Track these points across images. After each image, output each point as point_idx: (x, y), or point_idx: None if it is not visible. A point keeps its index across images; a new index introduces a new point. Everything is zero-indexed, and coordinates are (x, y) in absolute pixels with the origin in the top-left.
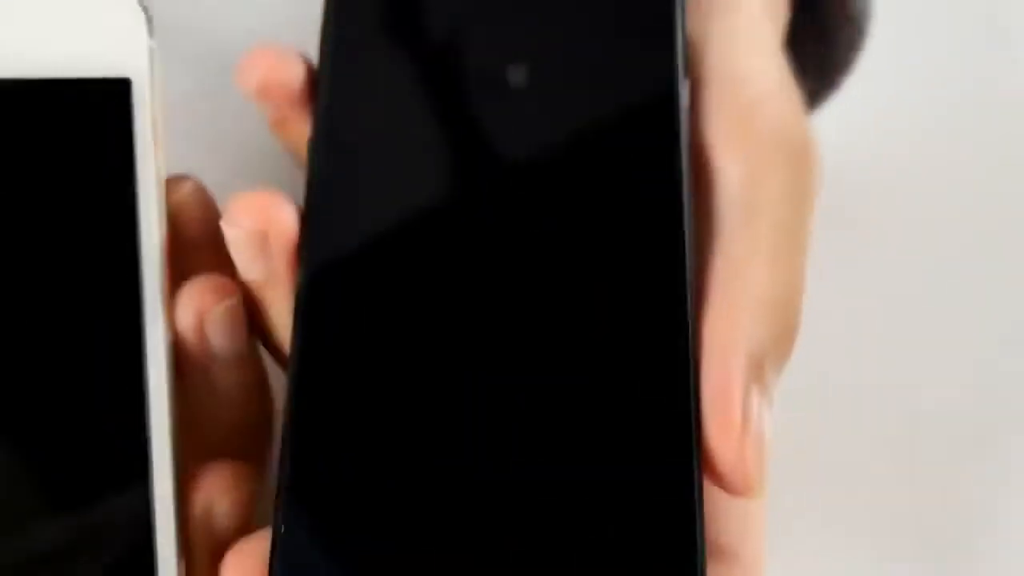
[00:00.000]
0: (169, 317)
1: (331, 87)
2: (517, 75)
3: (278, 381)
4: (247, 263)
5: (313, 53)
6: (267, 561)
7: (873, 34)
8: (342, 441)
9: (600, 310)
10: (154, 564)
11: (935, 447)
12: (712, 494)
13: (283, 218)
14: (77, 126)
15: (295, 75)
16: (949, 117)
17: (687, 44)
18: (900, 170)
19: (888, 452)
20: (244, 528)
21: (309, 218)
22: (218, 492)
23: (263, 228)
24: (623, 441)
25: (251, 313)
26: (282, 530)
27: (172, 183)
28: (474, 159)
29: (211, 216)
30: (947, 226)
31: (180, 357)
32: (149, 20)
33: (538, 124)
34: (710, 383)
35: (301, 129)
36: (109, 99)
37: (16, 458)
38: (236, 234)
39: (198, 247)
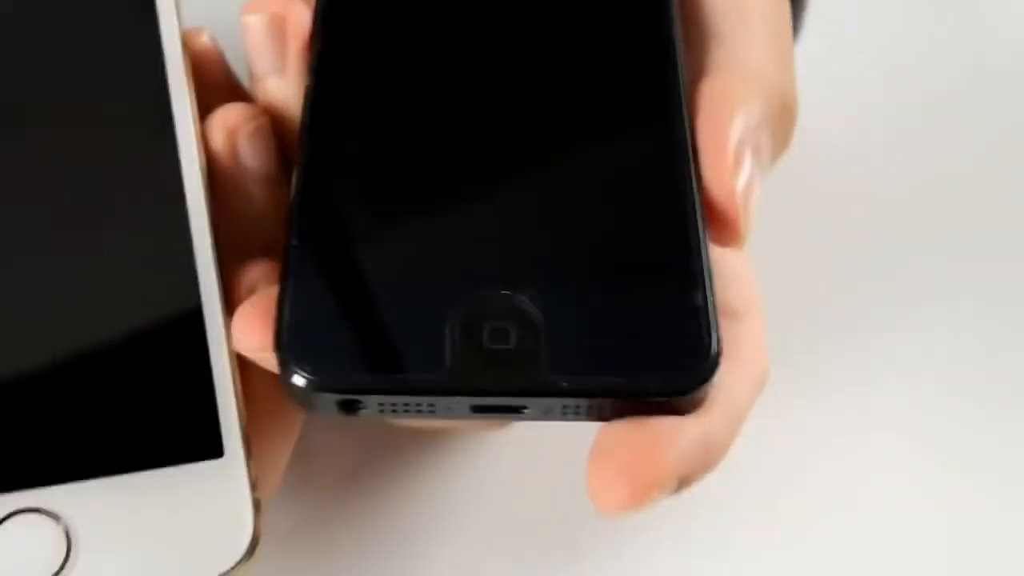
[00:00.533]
0: (201, 140)
1: None
2: None
3: None
4: (264, 51)
5: None
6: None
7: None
8: (349, 173)
9: (598, 82)
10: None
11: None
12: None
13: (298, 9)
14: None
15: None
16: (925, 87)
17: None
18: (883, 148)
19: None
20: None
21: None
22: (260, 277)
23: (282, 14)
24: (628, 202)
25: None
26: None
27: (190, 35)
28: None
29: (225, 65)
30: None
31: (215, 177)
32: None
33: None
34: (706, 129)
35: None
36: None
37: (71, 274)
38: (257, 20)
39: (217, 93)
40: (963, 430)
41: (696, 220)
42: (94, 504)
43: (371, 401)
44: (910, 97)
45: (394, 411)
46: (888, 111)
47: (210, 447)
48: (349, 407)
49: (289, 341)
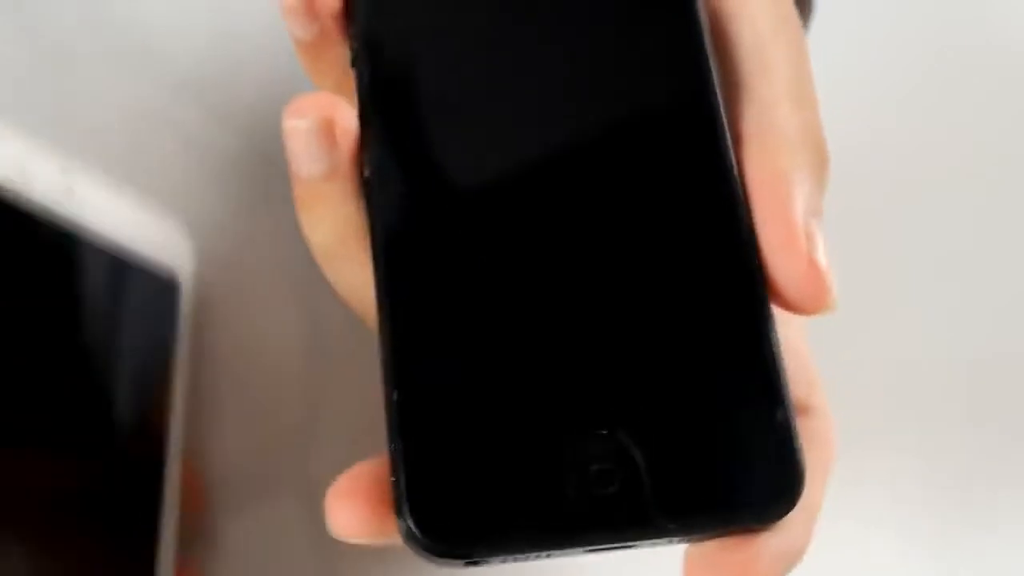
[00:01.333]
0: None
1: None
2: None
3: None
4: (312, 155)
5: None
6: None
7: None
8: (440, 347)
9: (647, 166)
10: None
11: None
12: None
13: (346, 112)
14: None
15: None
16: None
17: None
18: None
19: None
20: None
21: (366, 120)
22: None
23: (330, 117)
24: (693, 300)
25: None
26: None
27: None
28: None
29: None
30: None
31: None
32: None
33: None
34: (768, 213)
35: (335, 52)
36: None
37: None
38: (303, 124)
39: None
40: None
41: (770, 330)
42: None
43: (494, 560)
44: (917, 94)
45: (515, 561)
46: (894, 109)
47: None
48: (473, 564)
49: (412, 508)
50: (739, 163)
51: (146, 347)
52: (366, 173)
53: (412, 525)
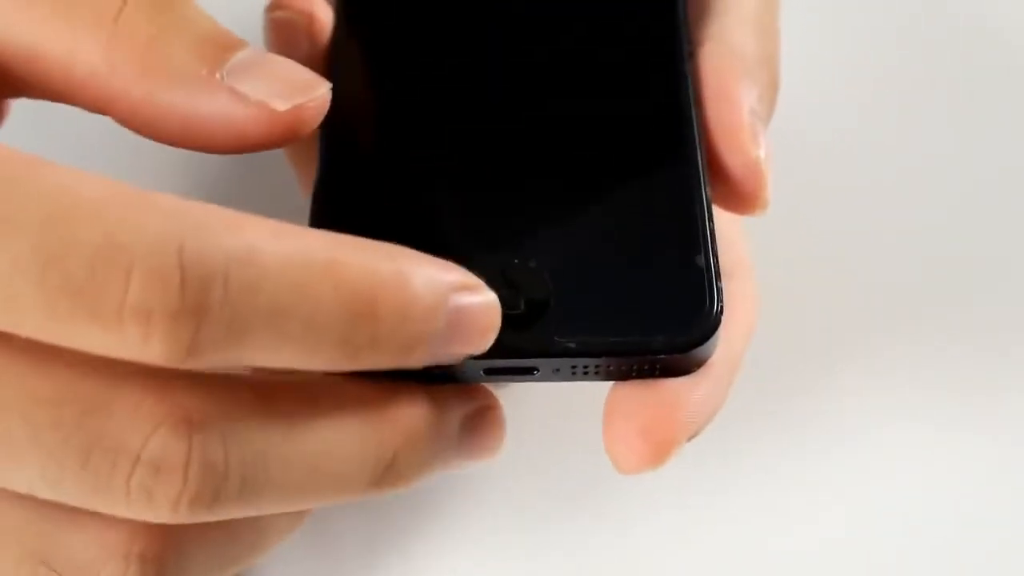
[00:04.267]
0: None
1: None
2: None
3: None
4: (289, 49)
5: None
6: None
7: None
8: (365, 153)
9: (601, 49)
10: None
11: None
12: None
13: (323, 7)
14: None
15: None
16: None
17: None
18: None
19: None
20: None
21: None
22: None
23: (309, 11)
24: (633, 168)
25: None
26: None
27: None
28: None
29: None
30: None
31: None
32: None
33: None
34: (720, 110)
35: None
36: None
37: None
38: (283, 16)
39: None
40: (969, 423)
41: (701, 184)
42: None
43: None
44: (909, 92)
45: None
46: (882, 105)
47: None
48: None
49: None
50: (695, 63)
51: None
52: None
53: None
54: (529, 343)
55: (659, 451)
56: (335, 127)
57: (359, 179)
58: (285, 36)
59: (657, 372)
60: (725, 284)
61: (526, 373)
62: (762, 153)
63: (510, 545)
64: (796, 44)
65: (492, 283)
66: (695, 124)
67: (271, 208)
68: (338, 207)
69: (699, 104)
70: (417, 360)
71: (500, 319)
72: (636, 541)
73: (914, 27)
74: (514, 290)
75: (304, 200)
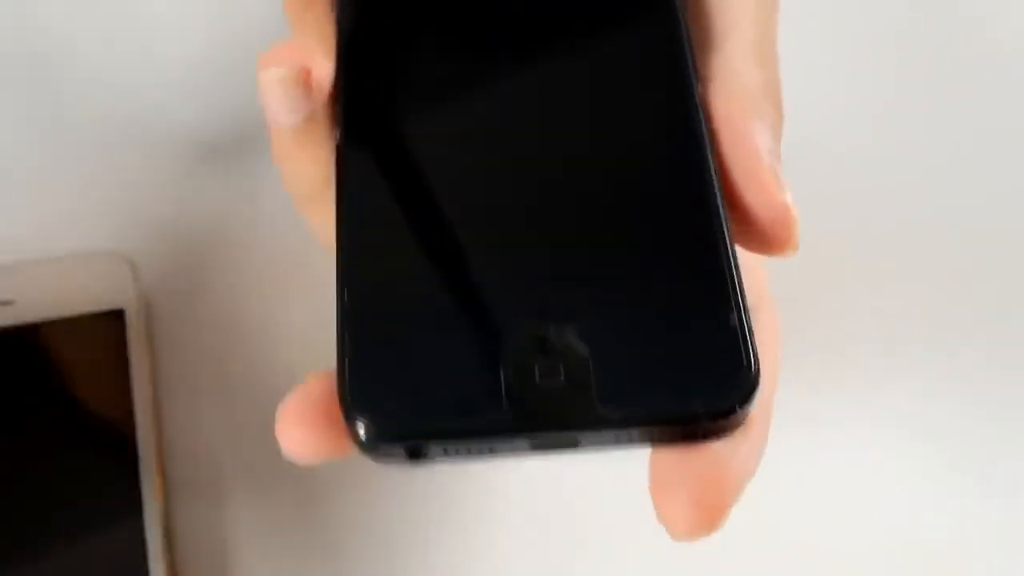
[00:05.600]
0: None
1: None
2: None
3: None
4: (288, 105)
5: None
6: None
7: None
8: (388, 247)
9: (619, 109)
10: None
11: None
12: None
13: (321, 61)
14: None
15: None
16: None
17: None
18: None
19: None
20: None
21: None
22: None
23: (305, 67)
24: (658, 225)
25: None
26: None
27: None
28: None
29: None
30: None
31: None
32: None
33: None
34: (738, 155)
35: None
36: None
37: None
38: (279, 74)
39: None
40: (973, 428)
41: (725, 235)
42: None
43: (435, 447)
44: (909, 97)
45: (458, 455)
46: (884, 110)
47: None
48: (415, 454)
49: (352, 395)
50: (704, 103)
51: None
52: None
53: (356, 418)
54: (574, 415)
55: (713, 518)
56: (355, 196)
57: (383, 246)
58: (281, 97)
59: (700, 436)
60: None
61: (571, 446)
62: (789, 196)
63: None
64: (797, 50)
65: (530, 351)
66: (712, 169)
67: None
68: (366, 273)
69: (712, 146)
70: None
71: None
72: None
73: (913, 31)
74: (552, 360)
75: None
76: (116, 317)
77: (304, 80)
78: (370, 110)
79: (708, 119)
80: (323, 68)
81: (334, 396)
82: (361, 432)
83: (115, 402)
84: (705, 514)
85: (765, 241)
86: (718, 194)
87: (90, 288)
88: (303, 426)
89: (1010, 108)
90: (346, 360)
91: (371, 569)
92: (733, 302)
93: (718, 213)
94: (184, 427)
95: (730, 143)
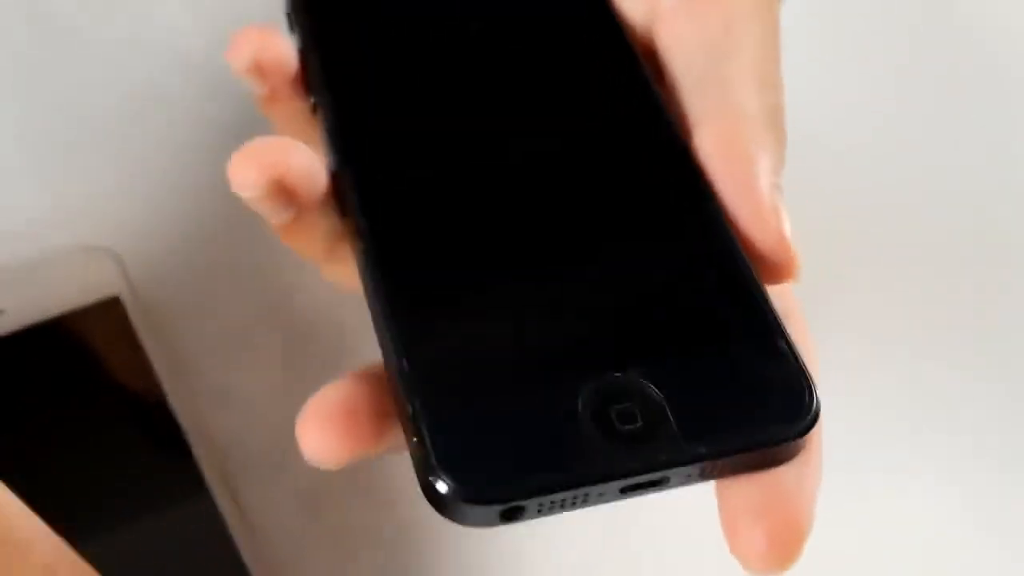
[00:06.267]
0: None
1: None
2: None
3: None
4: (274, 210)
5: None
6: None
7: None
8: (442, 309)
9: (610, 160)
10: None
11: None
12: None
13: (299, 158)
14: None
15: (286, 52)
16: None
17: None
18: None
19: None
20: None
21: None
22: None
23: (279, 176)
24: (687, 266)
25: None
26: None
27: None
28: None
29: None
30: None
31: None
32: None
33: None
34: (739, 192)
35: (293, 105)
36: None
37: None
38: (254, 182)
39: None
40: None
41: (747, 264)
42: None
43: (531, 505)
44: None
45: (550, 509)
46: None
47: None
48: (510, 515)
49: (437, 461)
50: (700, 138)
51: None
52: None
53: (444, 482)
54: (662, 456)
55: (791, 551)
56: (389, 262)
57: (436, 308)
58: (262, 207)
59: (777, 461)
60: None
61: (658, 484)
62: (787, 227)
63: None
64: (798, 49)
65: (604, 403)
66: (714, 200)
67: None
68: (423, 338)
69: (713, 178)
70: None
71: None
72: None
73: (913, 31)
74: (627, 406)
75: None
76: (114, 304)
77: (280, 188)
78: (382, 168)
79: (705, 148)
80: (302, 167)
81: (358, 401)
82: (451, 496)
83: (143, 381)
84: (786, 550)
85: (765, 270)
86: (727, 225)
87: (79, 282)
88: (326, 431)
89: (1011, 107)
90: (422, 426)
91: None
92: (778, 329)
93: (734, 242)
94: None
95: (729, 179)
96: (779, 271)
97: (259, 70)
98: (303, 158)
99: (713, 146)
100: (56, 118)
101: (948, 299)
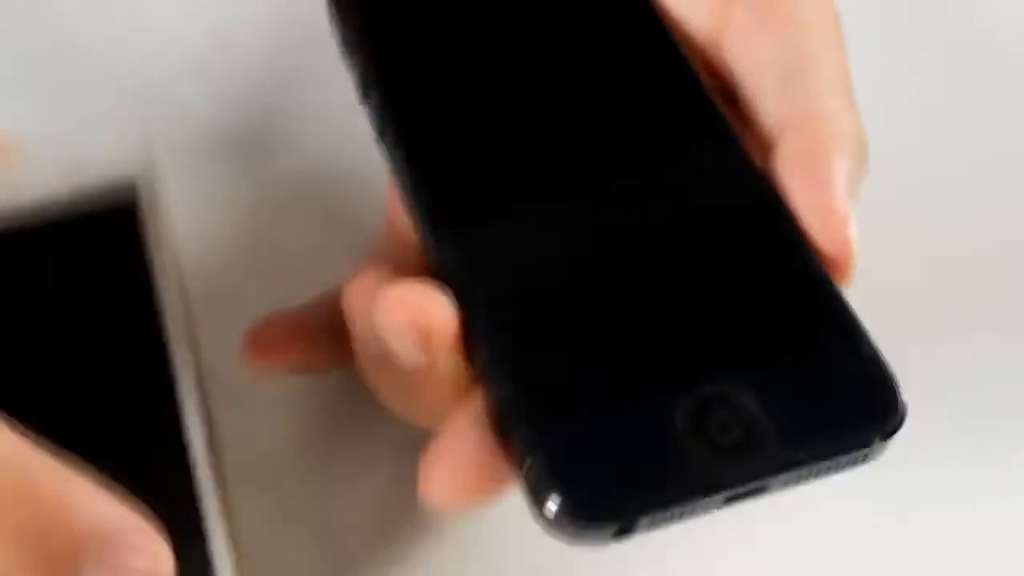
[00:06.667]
0: None
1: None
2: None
3: None
4: (410, 353)
5: None
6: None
7: None
8: (537, 334)
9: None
10: None
11: None
12: None
13: (438, 306)
14: None
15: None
16: None
17: None
18: None
19: None
20: None
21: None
22: None
23: (424, 324)
24: (768, 270)
25: None
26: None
27: None
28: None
29: None
30: None
31: None
32: None
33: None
34: (813, 194)
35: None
36: None
37: None
38: (400, 326)
39: None
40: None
41: (826, 273)
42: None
43: (643, 521)
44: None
45: (661, 524)
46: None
47: None
48: (623, 531)
49: (548, 482)
50: (783, 144)
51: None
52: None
53: (558, 505)
54: (764, 464)
55: None
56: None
57: (530, 325)
58: (401, 349)
59: (863, 461)
60: None
61: (759, 492)
62: (854, 233)
63: None
64: None
65: (699, 417)
66: (784, 205)
67: None
68: (518, 358)
69: (790, 182)
70: None
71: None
72: None
73: (916, 29)
74: (723, 417)
75: None
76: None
77: (425, 336)
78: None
79: (779, 152)
80: (443, 317)
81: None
82: (566, 518)
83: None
84: None
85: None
86: (800, 238)
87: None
88: (456, 479)
89: (1013, 107)
90: (532, 451)
91: None
92: (861, 332)
93: (810, 249)
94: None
95: (809, 177)
96: (836, 272)
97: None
98: (443, 305)
99: (796, 151)
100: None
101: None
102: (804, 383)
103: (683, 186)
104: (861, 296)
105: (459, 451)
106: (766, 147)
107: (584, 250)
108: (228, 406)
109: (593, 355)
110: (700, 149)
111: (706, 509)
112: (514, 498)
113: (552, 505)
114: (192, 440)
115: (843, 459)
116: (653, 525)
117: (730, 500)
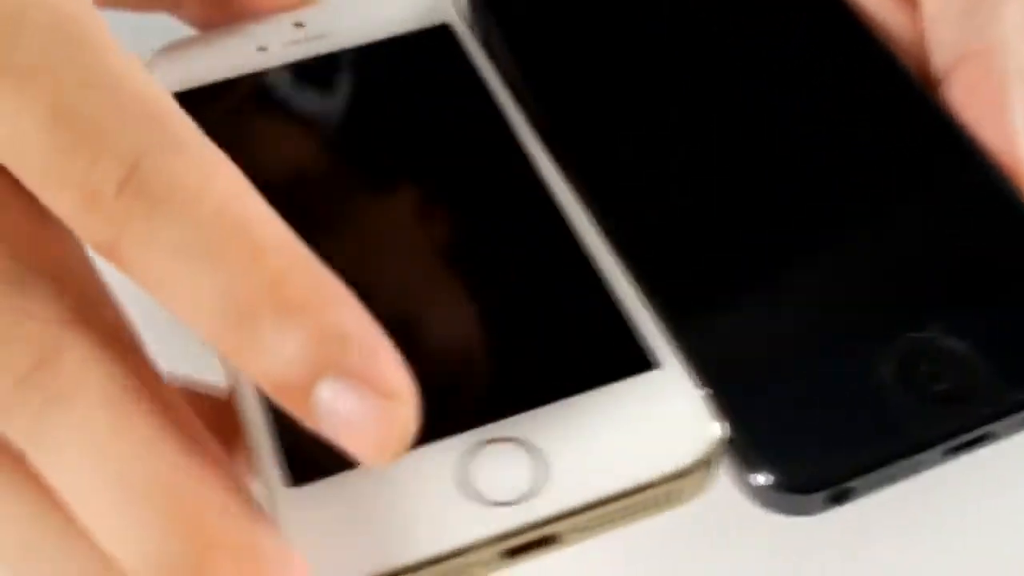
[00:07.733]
0: None
1: None
2: None
3: None
4: None
5: None
6: None
7: None
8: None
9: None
10: None
11: None
12: None
13: None
14: None
15: None
16: None
17: None
18: None
19: None
20: None
21: None
22: None
23: None
24: (960, 212)
25: None
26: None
27: None
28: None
29: None
30: None
31: None
32: None
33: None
34: (985, 112)
35: None
36: None
37: None
38: None
39: None
40: None
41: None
42: (556, 428)
43: (862, 483)
44: None
45: (878, 485)
46: None
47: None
48: (839, 497)
49: (760, 452)
50: (958, 74)
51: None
52: None
53: (769, 475)
54: (991, 409)
55: None
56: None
57: (718, 298)
58: None
59: None
60: None
61: (984, 440)
62: None
63: None
64: None
65: (913, 367)
66: (970, 140)
67: None
68: (711, 331)
69: (970, 109)
70: None
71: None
72: None
73: None
74: (937, 364)
75: None
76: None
77: None
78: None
79: (957, 85)
80: None
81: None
82: (779, 488)
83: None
84: None
85: None
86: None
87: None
88: None
89: None
90: (736, 421)
91: None
92: None
93: (1006, 183)
94: None
95: (988, 103)
96: None
97: None
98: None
99: (972, 80)
100: None
101: None
102: (1011, 321)
103: (870, 123)
104: None
105: None
106: (935, 76)
107: (783, 202)
108: None
109: (790, 309)
110: (878, 88)
111: (925, 465)
112: None
113: (759, 476)
114: None
115: None
116: (873, 485)
117: (950, 452)
